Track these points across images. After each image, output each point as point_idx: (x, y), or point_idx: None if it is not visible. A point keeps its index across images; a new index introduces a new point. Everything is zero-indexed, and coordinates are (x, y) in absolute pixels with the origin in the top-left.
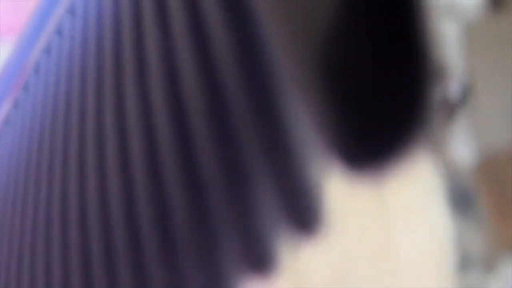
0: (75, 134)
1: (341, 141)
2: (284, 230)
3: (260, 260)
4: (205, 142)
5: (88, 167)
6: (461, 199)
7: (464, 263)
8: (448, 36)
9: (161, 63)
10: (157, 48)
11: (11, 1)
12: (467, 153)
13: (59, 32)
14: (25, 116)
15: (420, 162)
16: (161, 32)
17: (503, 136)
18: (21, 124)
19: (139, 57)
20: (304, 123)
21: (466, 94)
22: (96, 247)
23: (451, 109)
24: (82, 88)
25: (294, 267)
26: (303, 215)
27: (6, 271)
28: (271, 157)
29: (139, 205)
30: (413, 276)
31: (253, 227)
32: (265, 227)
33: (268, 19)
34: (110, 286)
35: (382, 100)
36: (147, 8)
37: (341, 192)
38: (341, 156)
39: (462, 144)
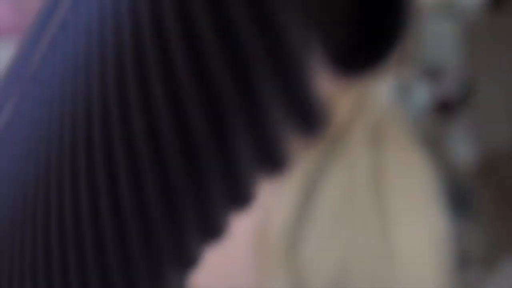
0: None
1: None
2: (291, 130)
3: (271, 157)
4: (216, 55)
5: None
6: (461, 199)
7: (464, 262)
8: (449, 36)
9: None
10: None
11: (12, 1)
12: (468, 153)
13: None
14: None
15: (420, 162)
16: None
17: (504, 136)
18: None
19: None
20: (300, 27)
21: (467, 94)
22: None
23: (452, 108)
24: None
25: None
26: (306, 115)
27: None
28: (275, 68)
29: (160, 120)
30: (412, 275)
31: (264, 128)
32: (274, 127)
33: None
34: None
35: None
36: None
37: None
38: (334, 57)
39: (462, 144)
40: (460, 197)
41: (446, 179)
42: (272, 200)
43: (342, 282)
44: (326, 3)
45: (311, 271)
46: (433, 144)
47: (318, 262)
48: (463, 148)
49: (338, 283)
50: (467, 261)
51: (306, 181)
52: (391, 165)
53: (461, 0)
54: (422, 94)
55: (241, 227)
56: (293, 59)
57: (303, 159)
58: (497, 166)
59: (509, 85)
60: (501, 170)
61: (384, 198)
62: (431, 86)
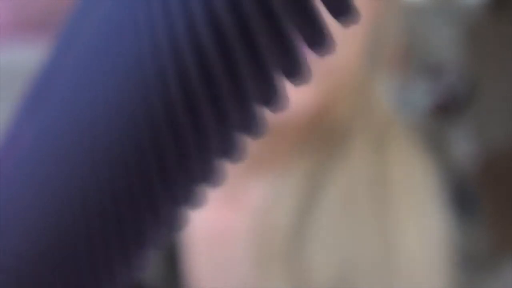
0: None
1: None
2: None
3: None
4: None
5: None
6: (462, 200)
7: (465, 262)
8: (450, 36)
9: None
10: None
11: (12, 1)
12: (469, 153)
13: None
14: None
15: (422, 163)
16: None
17: (506, 136)
18: None
19: None
20: None
21: (468, 94)
22: None
23: (453, 109)
24: None
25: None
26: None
27: None
28: None
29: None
30: (413, 275)
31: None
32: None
33: None
34: None
35: None
36: None
37: None
38: None
39: (464, 144)
40: (462, 198)
41: (448, 180)
42: (272, 199)
43: (344, 283)
44: None
45: (313, 272)
46: (435, 145)
47: (320, 263)
48: (465, 149)
49: (341, 284)
50: (468, 261)
51: (307, 182)
52: (394, 166)
53: (464, 1)
54: (423, 95)
55: (242, 227)
56: None
57: (302, 160)
58: (499, 166)
59: (511, 86)
60: (503, 171)
61: (387, 199)
62: (432, 87)
